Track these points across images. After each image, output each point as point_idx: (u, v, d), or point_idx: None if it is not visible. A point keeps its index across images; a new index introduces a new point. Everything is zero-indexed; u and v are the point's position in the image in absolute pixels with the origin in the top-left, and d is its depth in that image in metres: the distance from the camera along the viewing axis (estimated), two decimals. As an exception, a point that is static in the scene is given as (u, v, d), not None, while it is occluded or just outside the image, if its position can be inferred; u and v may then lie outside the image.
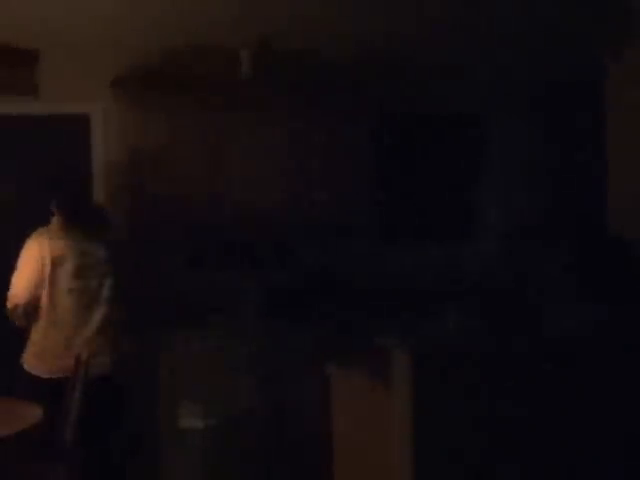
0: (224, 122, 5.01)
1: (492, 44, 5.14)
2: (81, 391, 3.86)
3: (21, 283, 4.18)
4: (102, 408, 4.13)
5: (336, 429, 4.12)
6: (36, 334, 4.24)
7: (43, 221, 4.29)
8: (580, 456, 3.69)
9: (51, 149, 5.00)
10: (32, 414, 3.61)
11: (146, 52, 4.97)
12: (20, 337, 4.29)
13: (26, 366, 4.24)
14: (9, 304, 4.20)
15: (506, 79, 5.62)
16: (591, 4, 4.37)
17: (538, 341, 3.76)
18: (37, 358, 4.22)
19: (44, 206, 4.29)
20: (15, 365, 4.26)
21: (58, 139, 5.02)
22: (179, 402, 4.61)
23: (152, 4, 4.49)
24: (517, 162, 5.79)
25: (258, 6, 4.49)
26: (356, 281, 5.40)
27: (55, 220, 4.28)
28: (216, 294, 5.20)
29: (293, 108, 5.11)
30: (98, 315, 4.27)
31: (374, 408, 3.77)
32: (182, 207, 4.96)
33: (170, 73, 5.00)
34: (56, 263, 4.18)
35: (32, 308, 4.19)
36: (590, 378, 3.70)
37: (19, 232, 4.33)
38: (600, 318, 3.91)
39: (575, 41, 4.90)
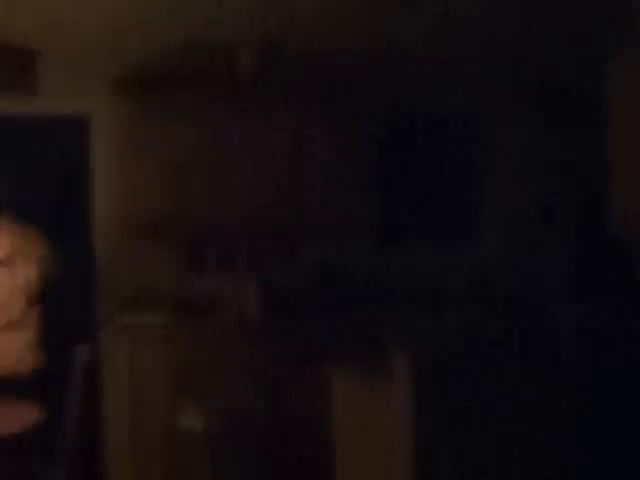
0: (224, 122, 5.01)
1: (492, 44, 5.15)
2: (81, 391, 3.86)
3: None
4: None
5: (336, 429, 4.12)
6: None
7: (41, 221, 4.29)
8: (581, 455, 3.69)
9: (50, 149, 5.00)
10: (32, 414, 3.62)
11: (146, 52, 4.97)
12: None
13: None
14: None
15: (506, 79, 5.63)
16: (593, 4, 4.38)
17: (538, 341, 3.76)
18: None
19: (42, 206, 4.28)
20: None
21: (58, 139, 5.02)
22: (179, 402, 4.60)
23: (152, 4, 4.48)
24: (517, 162, 5.80)
25: (259, 6, 4.48)
26: (356, 281, 5.41)
27: None
28: (216, 294, 5.21)
29: (293, 108, 5.11)
30: None
31: (374, 408, 3.77)
32: (182, 207, 4.97)
33: (170, 73, 5.00)
34: None
35: None
36: (590, 378, 3.70)
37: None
38: (599, 317, 3.91)
39: (577, 41, 4.91)
